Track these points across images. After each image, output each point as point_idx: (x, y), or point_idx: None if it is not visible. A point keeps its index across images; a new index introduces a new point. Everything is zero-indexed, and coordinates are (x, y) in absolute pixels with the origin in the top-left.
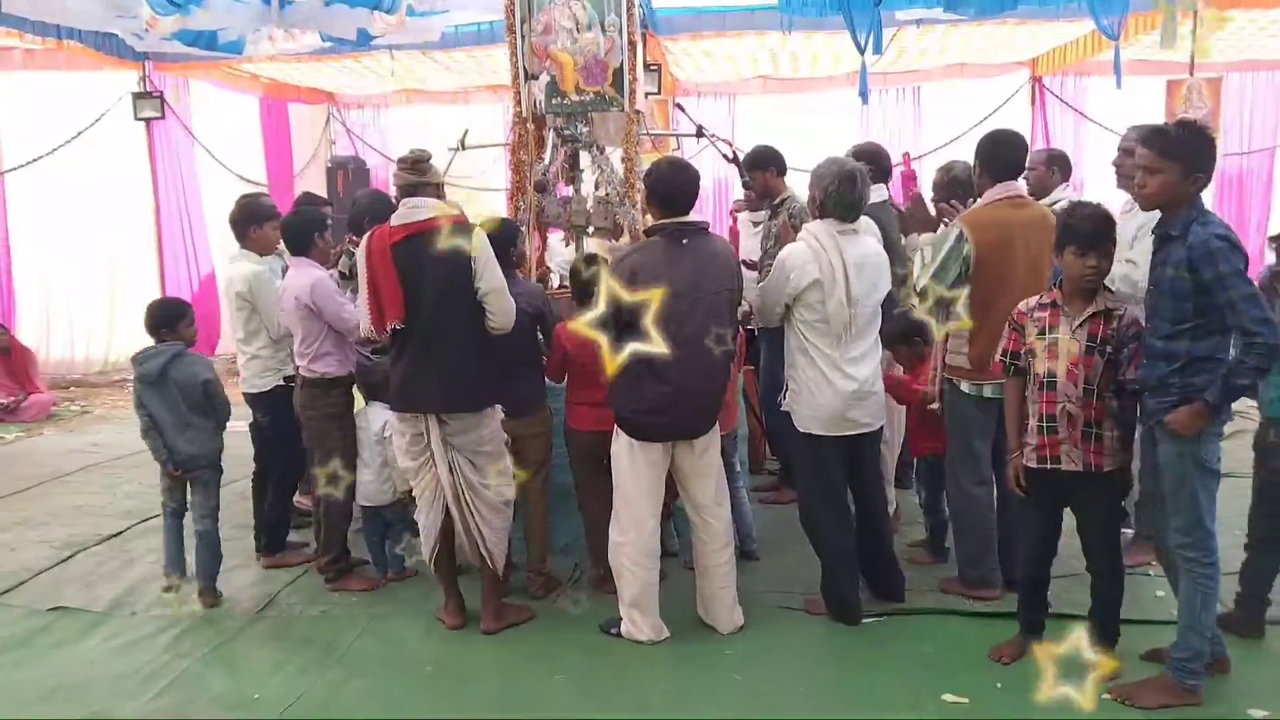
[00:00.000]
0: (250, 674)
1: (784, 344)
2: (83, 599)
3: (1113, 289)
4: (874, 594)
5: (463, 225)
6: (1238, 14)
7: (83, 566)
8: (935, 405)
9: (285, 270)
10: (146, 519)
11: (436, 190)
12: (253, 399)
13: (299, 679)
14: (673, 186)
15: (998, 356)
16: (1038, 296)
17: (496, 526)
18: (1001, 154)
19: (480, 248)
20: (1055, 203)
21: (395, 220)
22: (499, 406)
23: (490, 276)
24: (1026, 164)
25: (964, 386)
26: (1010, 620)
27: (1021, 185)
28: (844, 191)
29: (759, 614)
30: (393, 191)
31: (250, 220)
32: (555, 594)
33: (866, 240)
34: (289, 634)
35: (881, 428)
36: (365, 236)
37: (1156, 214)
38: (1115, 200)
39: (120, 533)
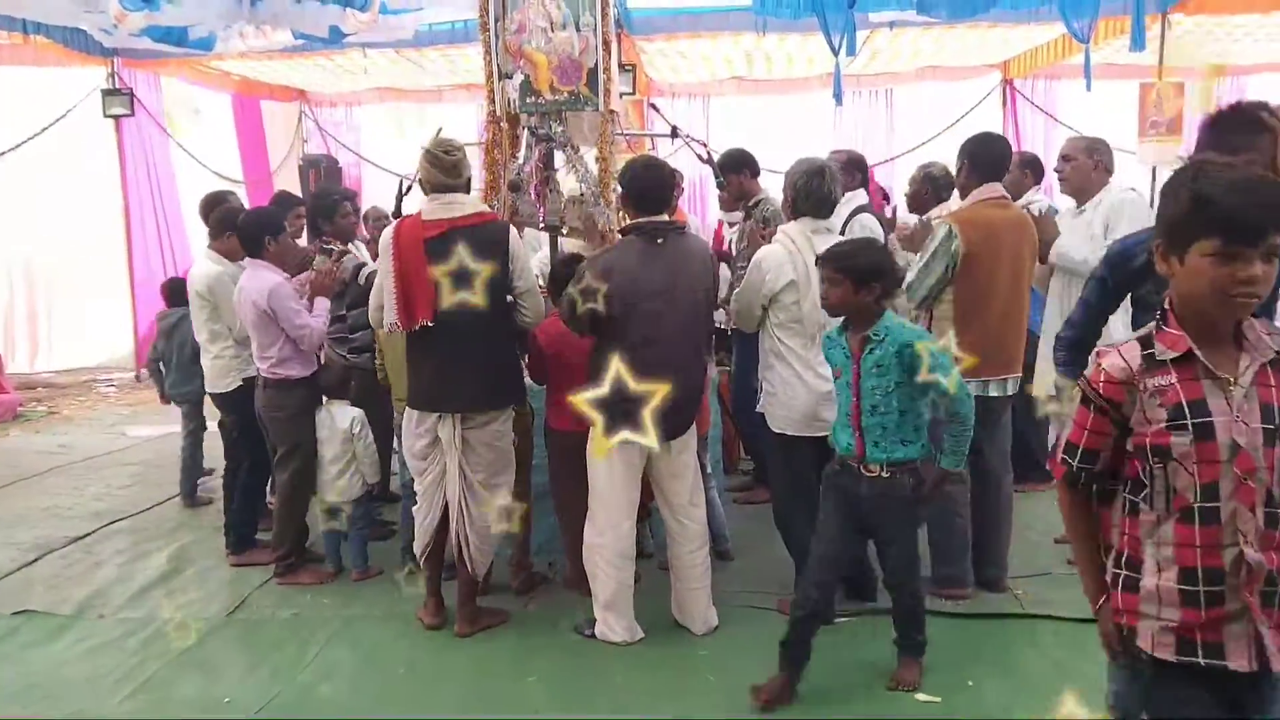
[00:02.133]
0: (221, 677)
1: (757, 345)
2: (49, 602)
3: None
4: (846, 594)
5: (499, 224)
6: (1204, 19)
7: (50, 569)
8: None
9: None
10: (114, 521)
11: (468, 185)
12: (217, 399)
13: (270, 682)
14: (646, 185)
15: (1060, 455)
16: (1133, 344)
17: (485, 535)
18: (990, 154)
19: (516, 247)
20: (1027, 205)
21: (427, 215)
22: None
23: (527, 276)
24: None
25: None
26: (983, 620)
27: (1001, 188)
28: (812, 186)
29: (733, 614)
30: (409, 182)
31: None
32: (531, 595)
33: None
34: (260, 636)
35: None
36: (390, 229)
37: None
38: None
39: (87, 535)
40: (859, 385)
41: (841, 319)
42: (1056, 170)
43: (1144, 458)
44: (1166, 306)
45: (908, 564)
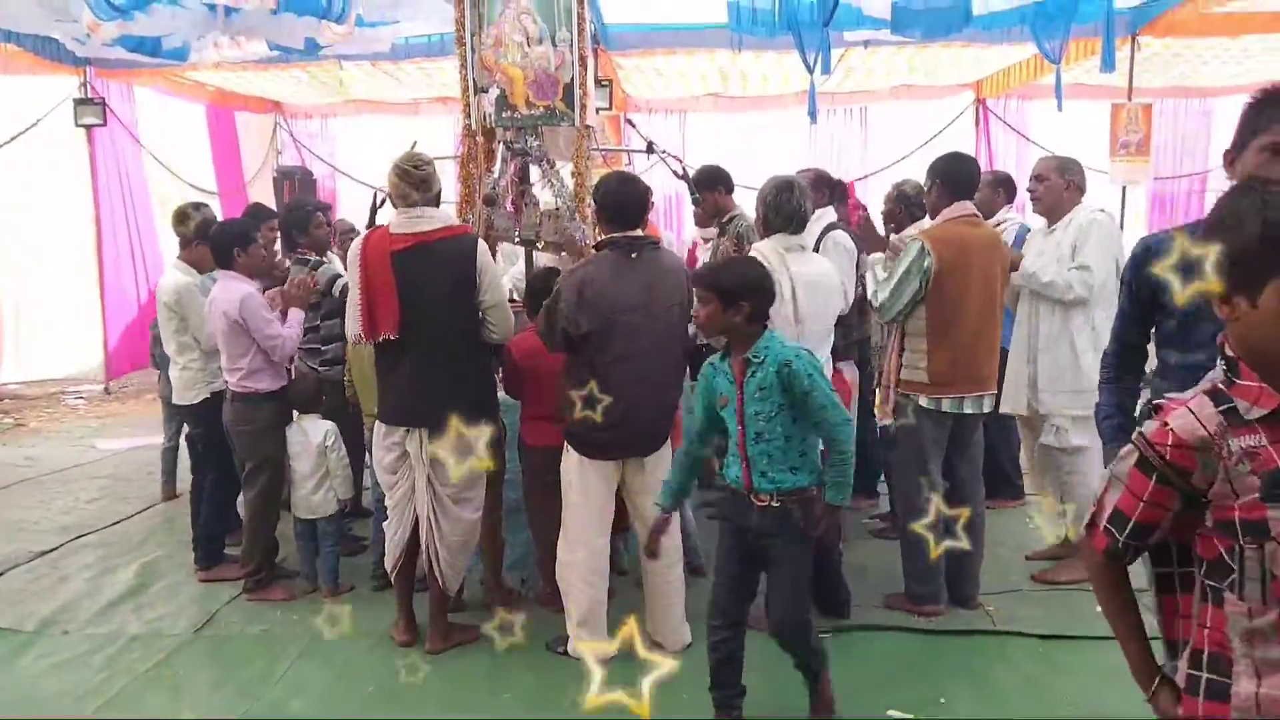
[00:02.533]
0: (188, 694)
1: None
2: (12, 618)
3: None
4: (820, 610)
5: (468, 238)
6: (1172, 41)
7: (15, 584)
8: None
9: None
10: (80, 535)
11: (437, 199)
12: (183, 411)
13: (239, 699)
14: (621, 200)
15: (1104, 521)
16: (1202, 399)
17: (455, 550)
18: (959, 173)
19: (485, 262)
20: (1000, 224)
21: (395, 228)
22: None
23: (495, 290)
24: None
25: (922, 401)
26: (954, 636)
27: (972, 205)
28: (782, 201)
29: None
30: (382, 195)
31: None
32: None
33: (817, 259)
34: (228, 653)
35: None
36: (359, 241)
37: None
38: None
39: (54, 549)
40: (743, 412)
41: (723, 345)
42: (1029, 190)
43: (1232, 535)
44: (1231, 354)
45: (795, 599)
